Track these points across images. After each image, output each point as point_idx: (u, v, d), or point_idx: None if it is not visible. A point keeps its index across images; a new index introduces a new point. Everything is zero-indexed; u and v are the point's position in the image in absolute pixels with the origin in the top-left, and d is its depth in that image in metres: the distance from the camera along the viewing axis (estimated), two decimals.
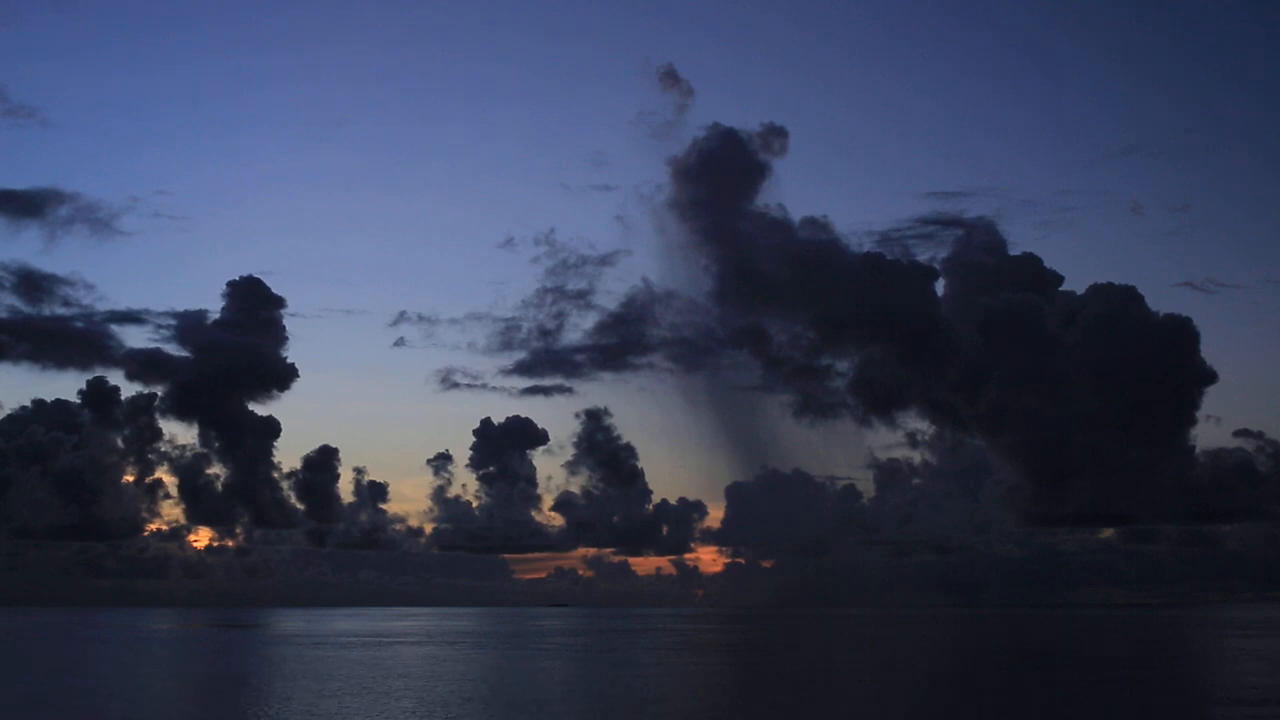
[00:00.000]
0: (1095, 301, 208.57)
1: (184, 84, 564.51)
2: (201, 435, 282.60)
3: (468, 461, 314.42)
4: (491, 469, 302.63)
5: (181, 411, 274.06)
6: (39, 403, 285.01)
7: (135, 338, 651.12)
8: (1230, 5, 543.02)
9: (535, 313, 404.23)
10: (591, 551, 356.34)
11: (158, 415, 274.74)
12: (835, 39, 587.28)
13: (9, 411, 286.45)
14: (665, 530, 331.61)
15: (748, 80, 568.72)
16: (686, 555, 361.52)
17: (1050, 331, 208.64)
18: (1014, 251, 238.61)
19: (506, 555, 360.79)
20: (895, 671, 61.91)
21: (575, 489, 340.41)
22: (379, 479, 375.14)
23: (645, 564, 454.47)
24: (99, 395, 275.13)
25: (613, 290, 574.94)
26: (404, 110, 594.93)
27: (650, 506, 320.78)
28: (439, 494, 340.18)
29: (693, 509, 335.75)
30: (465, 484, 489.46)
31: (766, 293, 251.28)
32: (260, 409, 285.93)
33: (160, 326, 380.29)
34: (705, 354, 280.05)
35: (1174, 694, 47.73)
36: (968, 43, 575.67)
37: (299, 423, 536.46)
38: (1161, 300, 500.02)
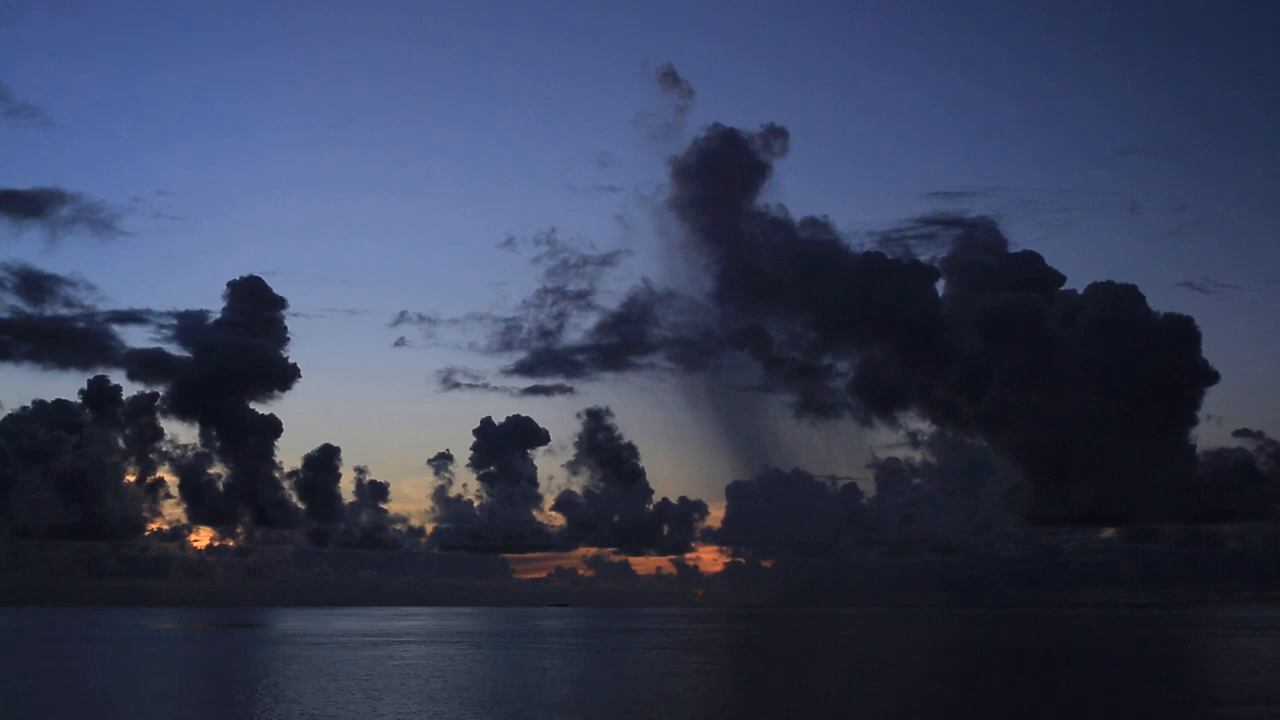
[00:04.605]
0: (1096, 301, 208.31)
1: (186, 85, 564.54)
2: (203, 435, 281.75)
3: (468, 461, 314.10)
4: (492, 469, 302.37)
5: (183, 411, 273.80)
6: (40, 403, 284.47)
7: (137, 338, 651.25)
8: (1230, 5, 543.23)
9: (536, 313, 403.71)
10: (592, 551, 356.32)
11: (159, 415, 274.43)
12: (835, 39, 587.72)
13: (10, 411, 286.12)
14: (666, 530, 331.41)
15: (748, 80, 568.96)
16: (687, 555, 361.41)
17: (1051, 331, 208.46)
18: (1014, 251, 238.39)
19: (507, 555, 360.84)
20: (895, 671, 61.95)
21: (576, 489, 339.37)
22: (380, 479, 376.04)
23: (646, 564, 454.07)
24: (100, 395, 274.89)
25: (613, 290, 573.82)
26: (404, 111, 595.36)
27: (651, 506, 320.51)
28: (440, 494, 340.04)
29: (693, 509, 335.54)
30: (466, 484, 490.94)
31: (767, 293, 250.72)
32: (261, 409, 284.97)
33: (162, 326, 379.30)
34: (706, 354, 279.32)
35: (1174, 694, 47.80)
36: (968, 43, 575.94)
37: (300, 422, 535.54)
38: (1161, 300, 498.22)
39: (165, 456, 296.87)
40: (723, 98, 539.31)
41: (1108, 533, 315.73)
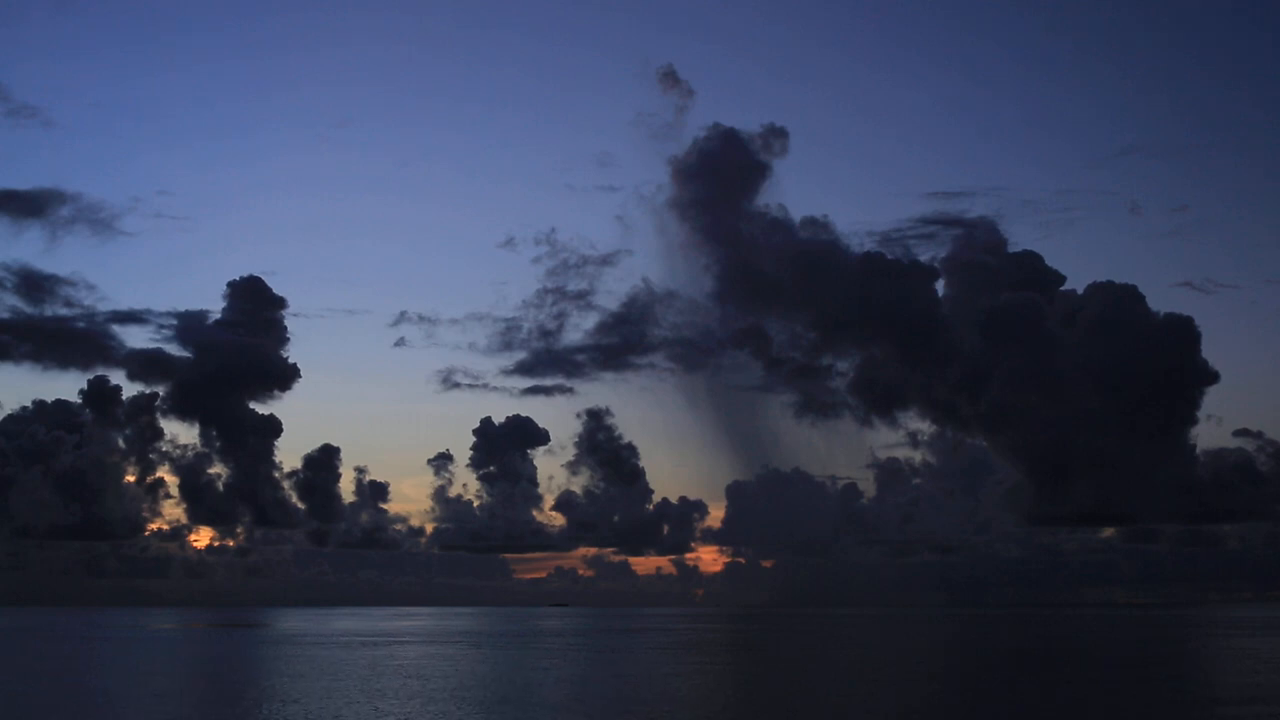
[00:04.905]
0: (1096, 301, 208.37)
1: (186, 85, 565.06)
2: (203, 435, 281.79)
3: (468, 461, 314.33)
4: (492, 469, 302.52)
5: (183, 411, 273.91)
6: (40, 403, 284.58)
7: (136, 338, 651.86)
8: (1230, 5, 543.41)
9: (536, 313, 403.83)
10: (592, 551, 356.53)
11: (159, 415, 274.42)
12: (835, 40, 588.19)
13: (10, 411, 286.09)
14: (666, 530, 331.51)
15: (748, 80, 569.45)
16: (687, 555, 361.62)
17: (1051, 331, 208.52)
18: (1014, 251, 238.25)
19: (507, 555, 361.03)
20: (895, 671, 61.96)
21: (576, 489, 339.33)
22: (380, 479, 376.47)
23: (645, 564, 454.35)
24: (100, 395, 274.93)
25: (613, 290, 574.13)
26: (405, 111, 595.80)
27: (651, 506, 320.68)
28: (440, 494, 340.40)
29: (693, 509, 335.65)
30: (466, 484, 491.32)
31: (767, 293, 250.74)
32: (261, 408, 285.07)
33: (162, 326, 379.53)
34: (706, 354, 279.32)
35: (1174, 694, 47.80)
36: (968, 43, 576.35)
37: (300, 422, 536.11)
38: (1161, 300, 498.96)
39: (165, 456, 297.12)
40: (723, 98, 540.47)
41: (1108, 533, 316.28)
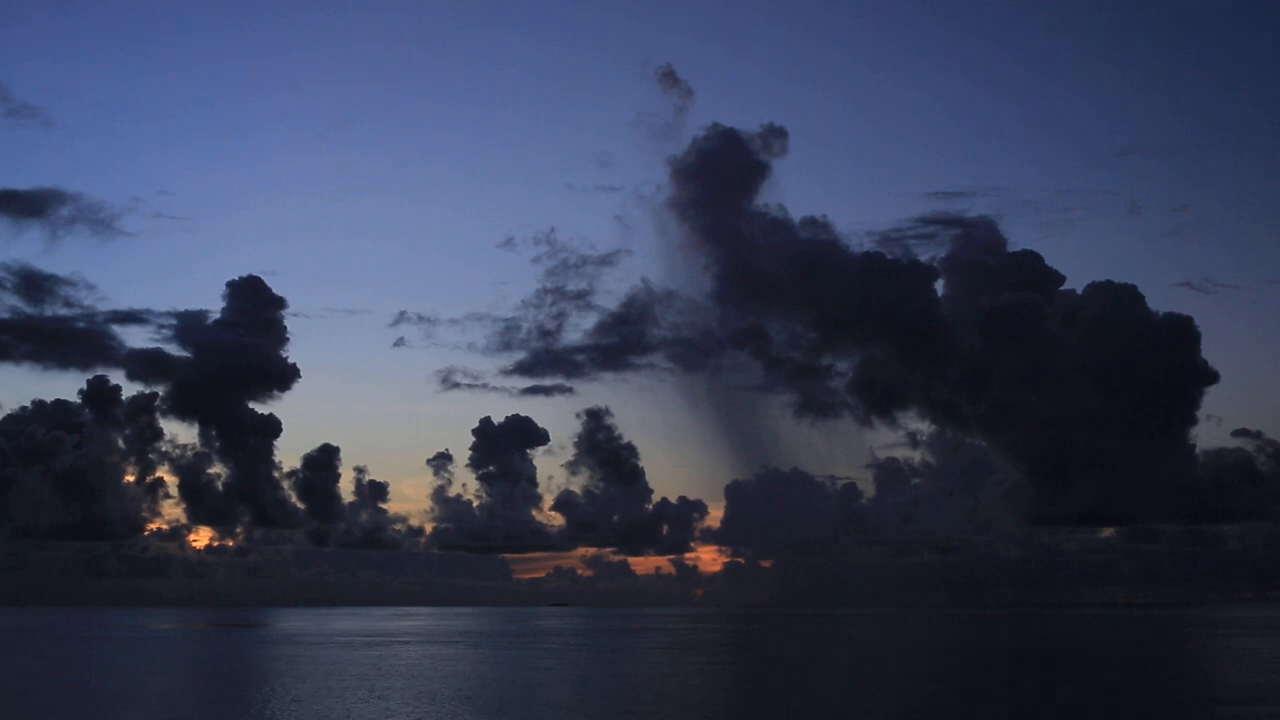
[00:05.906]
0: (1096, 301, 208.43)
1: (186, 85, 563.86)
2: (202, 435, 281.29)
3: (468, 461, 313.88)
4: (492, 469, 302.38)
5: (182, 411, 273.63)
6: (40, 403, 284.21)
7: (136, 338, 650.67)
8: (1230, 5, 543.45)
9: (535, 313, 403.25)
10: (591, 551, 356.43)
11: (158, 415, 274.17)
12: (835, 40, 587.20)
13: (10, 411, 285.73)
14: (665, 530, 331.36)
15: (747, 80, 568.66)
16: (686, 555, 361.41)
17: (1051, 331, 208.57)
18: (1014, 251, 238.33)
19: (507, 555, 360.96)
20: (895, 671, 61.97)
21: (576, 488, 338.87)
22: (379, 479, 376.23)
23: (645, 563, 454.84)
24: (100, 395, 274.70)
25: (613, 290, 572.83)
26: (404, 111, 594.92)
27: (650, 506, 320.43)
28: (439, 494, 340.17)
29: (693, 508, 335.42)
30: (465, 484, 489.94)
31: (767, 293, 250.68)
32: (261, 408, 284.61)
33: (161, 326, 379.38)
34: (705, 354, 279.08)
35: (1174, 694, 47.82)
36: (968, 43, 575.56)
37: (300, 422, 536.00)
38: (1161, 300, 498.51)
39: (165, 456, 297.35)
40: (722, 98, 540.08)
41: (1108, 533, 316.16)
